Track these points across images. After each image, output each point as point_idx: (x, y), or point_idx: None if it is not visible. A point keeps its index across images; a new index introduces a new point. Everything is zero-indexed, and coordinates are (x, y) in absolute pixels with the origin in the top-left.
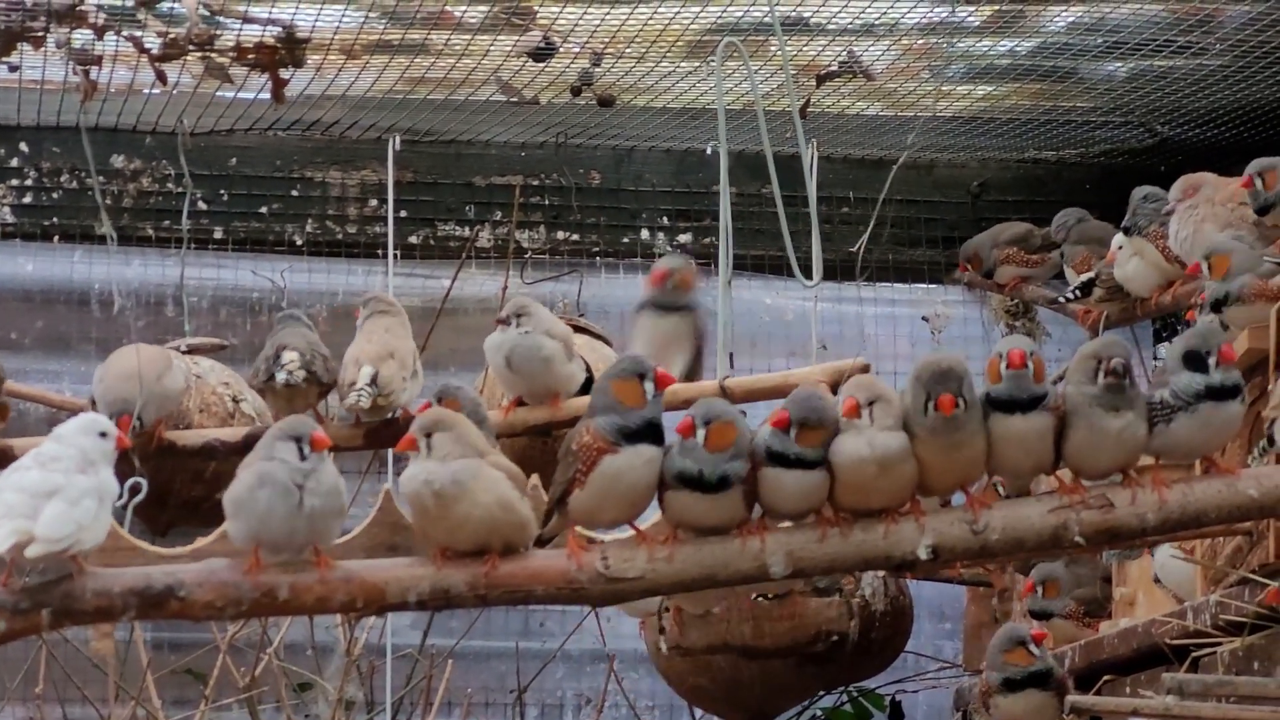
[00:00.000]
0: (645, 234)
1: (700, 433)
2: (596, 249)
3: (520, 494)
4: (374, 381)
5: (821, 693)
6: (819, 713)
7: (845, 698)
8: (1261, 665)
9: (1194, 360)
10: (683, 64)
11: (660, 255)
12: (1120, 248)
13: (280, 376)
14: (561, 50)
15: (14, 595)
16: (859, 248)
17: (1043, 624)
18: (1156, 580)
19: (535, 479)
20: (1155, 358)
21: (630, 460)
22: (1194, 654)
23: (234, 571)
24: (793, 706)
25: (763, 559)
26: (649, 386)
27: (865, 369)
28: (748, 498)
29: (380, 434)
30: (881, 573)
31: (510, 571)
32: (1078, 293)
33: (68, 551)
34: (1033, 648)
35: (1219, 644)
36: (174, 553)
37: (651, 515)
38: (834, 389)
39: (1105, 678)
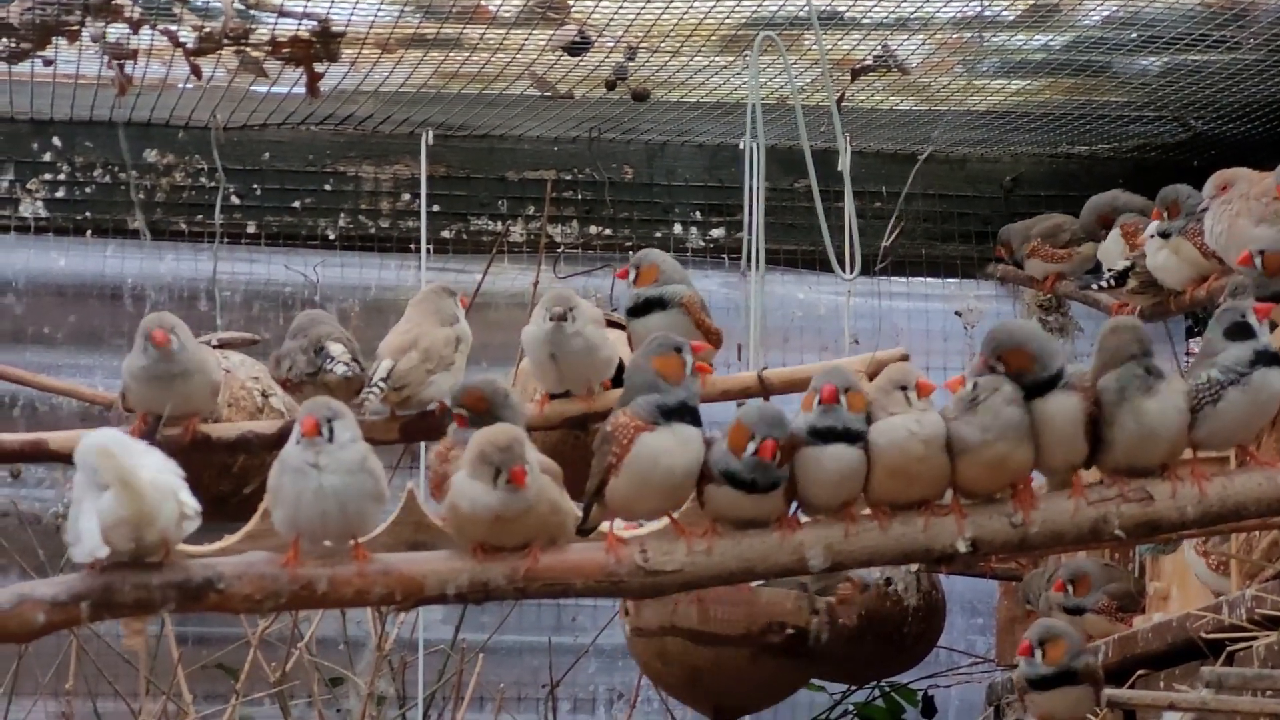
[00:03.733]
0: (678, 229)
1: (751, 445)
2: (629, 244)
3: (561, 488)
4: (388, 376)
5: (845, 691)
6: (851, 707)
7: (878, 692)
8: None
9: (1238, 331)
10: (716, 59)
11: (692, 250)
12: (1152, 235)
13: (339, 370)
14: (596, 45)
15: (54, 587)
16: (887, 241)
17: (1076, 619)
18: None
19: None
20: (1187, 353)
21: (667, 440)
22: (1229, 648)
23: (272, 564)
24: (764, 703)
25: (801, 552)
26: (688, 358)
27: (904, 358)
28: (787, 492)
29: (416, 427)
30: (915, 567)
31: (549, 565)
32: (1111, 281)
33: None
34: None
35: (1255, 638)
36: (204, 550)
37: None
38: (871, 379)
39: (1139, 672)
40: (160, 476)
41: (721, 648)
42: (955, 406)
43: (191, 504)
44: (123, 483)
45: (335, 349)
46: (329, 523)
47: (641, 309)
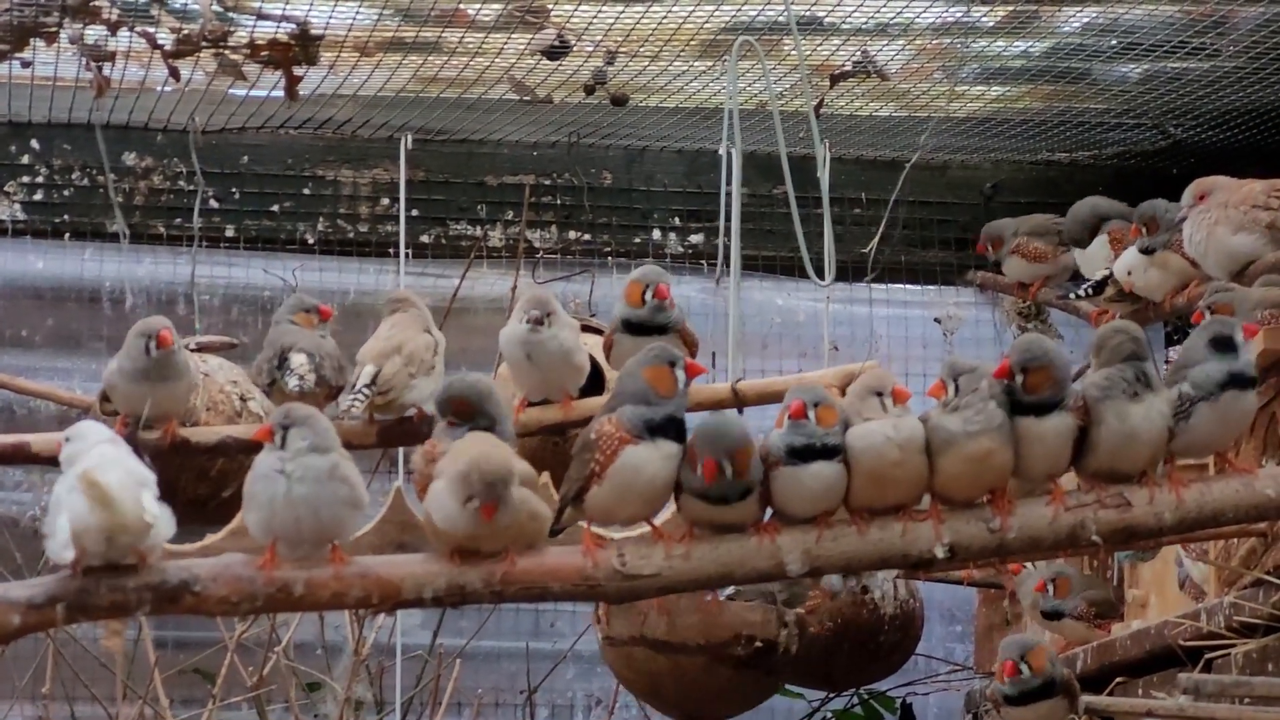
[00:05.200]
0: (657, 234)
1: (728, 467)
2: (608, 249)
3: (539, 495)
4: (373, 382)
5: (823, 698)
6: (829, 715)
7: (856, 699)
8: (1276, 667)
9: (1222, 344)
10: (696, 64)
11: (671, 256)
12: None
13: (293, 383)
14: (575, 49)
15: (29, 589)
16: (870, 248)
17: (1054, 624)
18: (1182, 585)
19: (545, 476)
20: (1166, 361)
21: (651, 454)
22: (1207, 655)
23: (249, 567)
24: (733, 710)
25: (779, 557)
26: (680, 374)
27: None
28: (761, 498)
29: (394, 433)
30: (893, 575)
31: (526, 569)
32: (1090, 290)
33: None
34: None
35: (1233, 645)
36: (183, 549)
37: (666, 511)
38: (844, 392)
39: (1117, 679)
40: (132, 478)
41: (683, 657)
42: (939, 408)
43: (151, 509)
44: (102, 499)
45: (296, 360)
46: (303, 530)
47: (652, 330)
